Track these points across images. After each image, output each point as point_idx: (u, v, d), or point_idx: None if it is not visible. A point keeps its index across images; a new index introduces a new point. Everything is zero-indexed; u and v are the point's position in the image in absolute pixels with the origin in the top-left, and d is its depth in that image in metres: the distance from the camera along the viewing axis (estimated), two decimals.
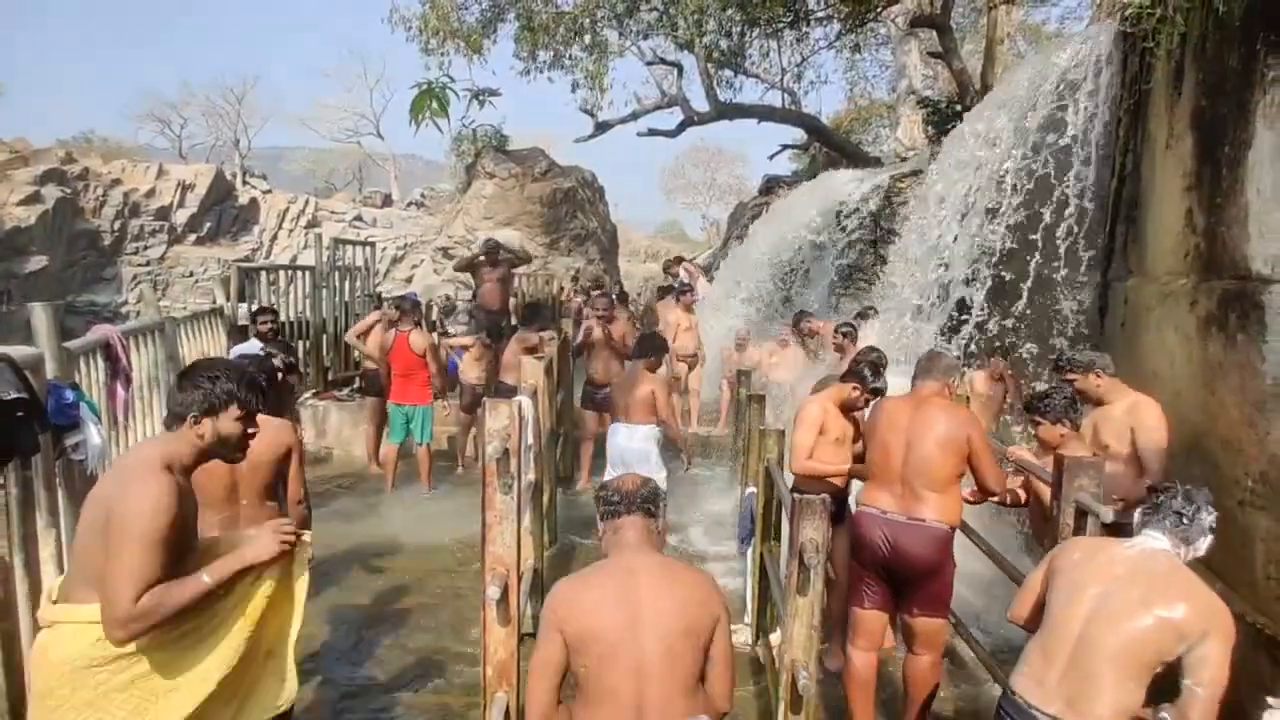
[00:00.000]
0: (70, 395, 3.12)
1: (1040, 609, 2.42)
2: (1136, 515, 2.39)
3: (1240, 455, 3.63)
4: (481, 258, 9.11)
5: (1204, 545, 2.30)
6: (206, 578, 1.97)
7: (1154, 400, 3.71)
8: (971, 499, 3.65)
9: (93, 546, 1.91)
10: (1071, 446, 3.53)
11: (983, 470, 3.36)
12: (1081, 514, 3.01)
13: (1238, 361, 3.76)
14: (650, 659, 1.98)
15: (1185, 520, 2.27)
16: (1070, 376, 3.77)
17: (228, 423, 2.09)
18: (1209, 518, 2.30)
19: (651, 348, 5.47)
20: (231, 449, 2.13)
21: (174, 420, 2.08)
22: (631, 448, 5.27)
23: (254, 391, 2.15)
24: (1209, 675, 2.09)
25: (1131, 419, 3.61)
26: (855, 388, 3.93)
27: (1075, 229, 5.47)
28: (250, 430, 2.15)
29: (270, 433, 3.07)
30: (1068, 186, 5.45)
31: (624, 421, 5.32)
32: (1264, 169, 3.68)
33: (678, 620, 2.01)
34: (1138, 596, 2.19)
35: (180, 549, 1.98)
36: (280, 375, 3.87)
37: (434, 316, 11.02)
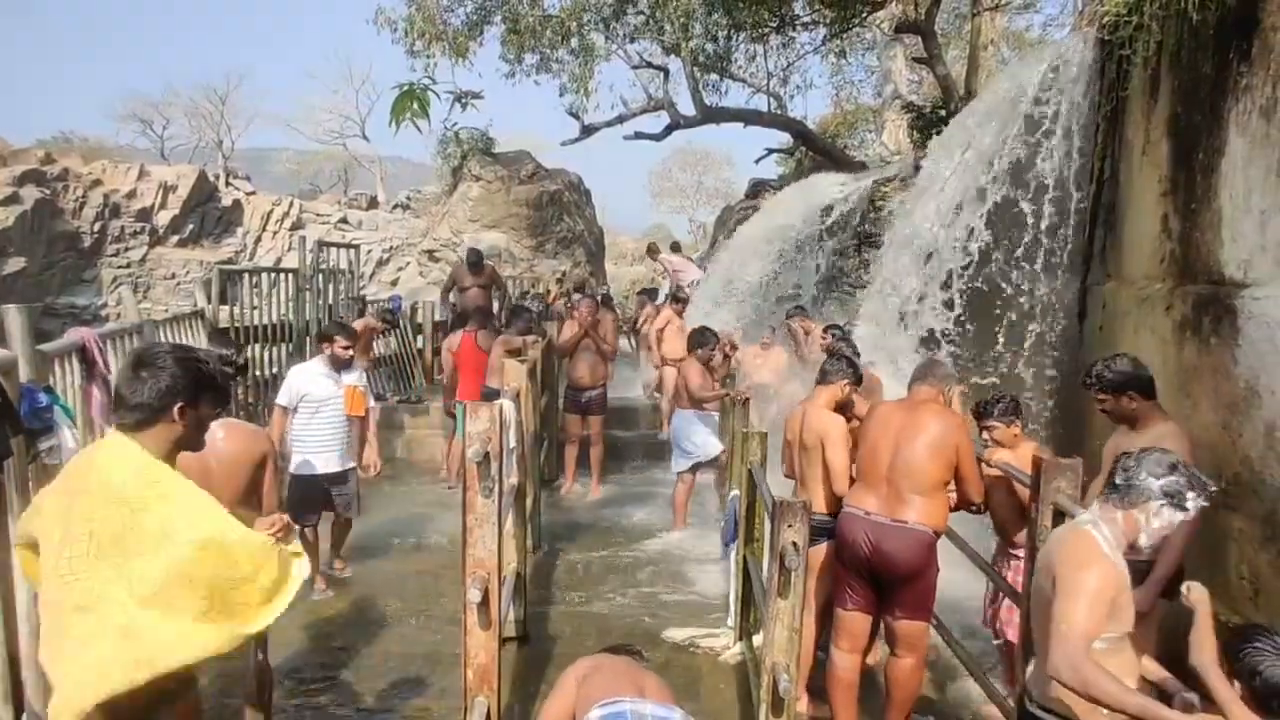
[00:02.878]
0: (44, 398, 3.08)
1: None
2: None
3: (1214, 457, 3.68)
4: (463, 268, 9.18)
5: (1153, 507, 2.10)
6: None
7: (1182, 433, 3.22)
8: (951, 505, 3.68)
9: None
10: (1024, 445, 3.59)
11: (966, 479, 3.37)
12: (1059, 515, 3.04)
13: (1211, 365, 3.82)
14: None
15: (1120, 484, 2.14)
16: (1100, 397, 3.27)
17: (207, 408, 1.96)
18: (1154, 480, 2.11)
19: (698, 343, 6.18)
20: (201, 436, 1.99)
21: (149, 416, 1.87)
22: (680, 428, 6.16)
23: (224, 373, 2.04)
24: (1055, 609, 2.04)
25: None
26: (848, 385, 3.88)
27: (1054, 234, 5.54)
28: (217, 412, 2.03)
29: (245, 439, 3.04)
30: (1046, 192, 5.51)
31: (678, 407, 6.28)
32: (1237, 175, 3.75)
33: None
34: (1038, 583, 2.30)
35: None
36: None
37: (419, 319, 10.98)
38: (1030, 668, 2.42)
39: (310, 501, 4.69)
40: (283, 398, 4.69)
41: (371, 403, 4.99)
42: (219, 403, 2.01)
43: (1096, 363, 3.37)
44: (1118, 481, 2.16)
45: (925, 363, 3.68)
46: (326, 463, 4.72)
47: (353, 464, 4.90)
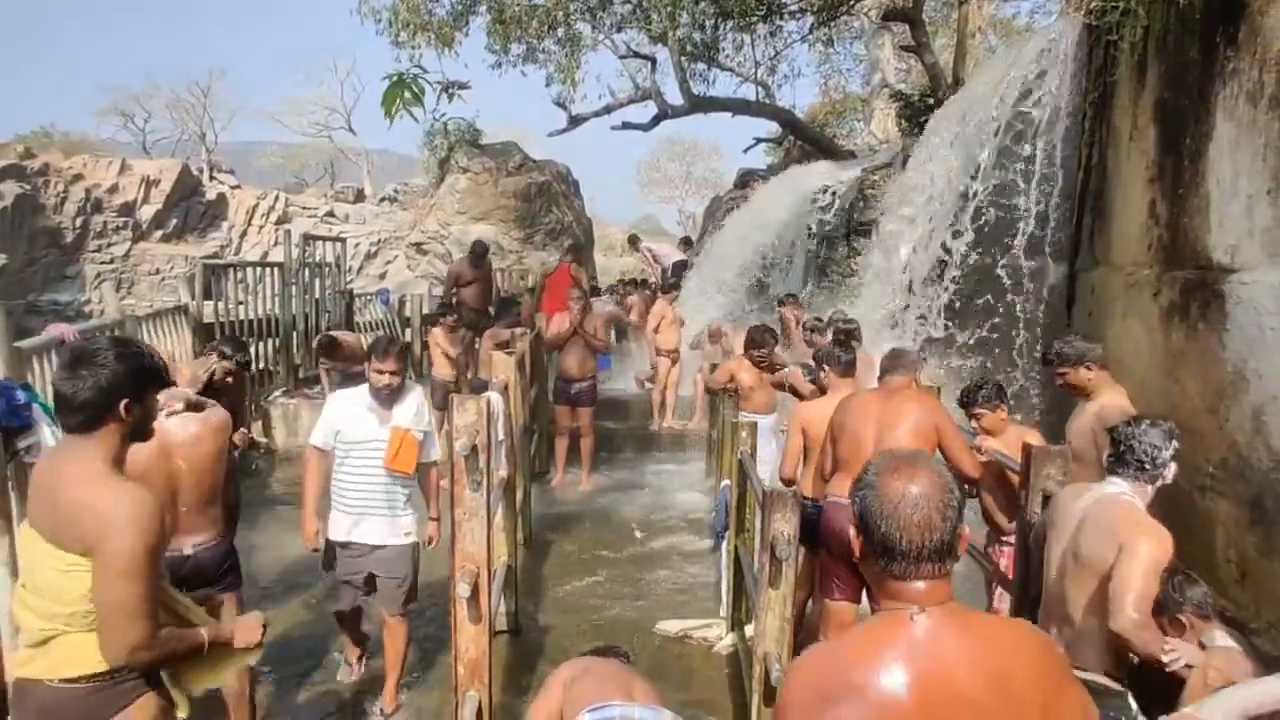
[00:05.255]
0: (22, 396, 3.03)
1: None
2: (1105, 460, 2.58)
3: (1201, 441, 3.69)
4: (465, 262, 9.21)
5: (1169, 473, 2.49)
6: (205, 635, 1.95)
7: (1124, 402, 3.42)
8: None
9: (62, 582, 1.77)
10: (1012, 430, 3.59)
11: (956, 455, 3.38)
12: (1049, 501, 3.05)
13: (1199, 350, 3.83)
14: None
15: (1145, 465, 2.44)
16: (1060, 370, 3.53)
17: (152, 399, 1.91)
18: (1167, 451, 2.45)
19: (755, 343, 5.43)
20: (149, 426, 1.93)
21: (96, 416, 1.79)
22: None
23: (162, 365, 1.99)
24: (1126, 580, 2.22)
25: (1096, 421, 3.39)
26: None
27: (1042, 221, 5.54)
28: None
29: (208, 434, 2.95)
30: (1033, 180, 5.51)
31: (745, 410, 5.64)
32: (1224, 160, 3.75)
33: None
34: (1085, 550, 2.39)
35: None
36: (233, 374, 3.78)
37: (407, 312, 10.92)
38: (1064, 634, 2.43)
39: (342, 580, 3.50)
40: (316, 434, 3.52)
41: (434, 454, 3.59)
42: (157, 394, 1.95)
43: (1049, 345, 3.74)
44: (1143, 462, 2.43)
45: (892, 353, 3.74)
46: (361, 529, 3.43)
47: (409, 536, 3.49)
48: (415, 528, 3.53)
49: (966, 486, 3.68)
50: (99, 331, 4.45)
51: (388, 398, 3.40)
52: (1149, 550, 2.25)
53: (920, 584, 1.24)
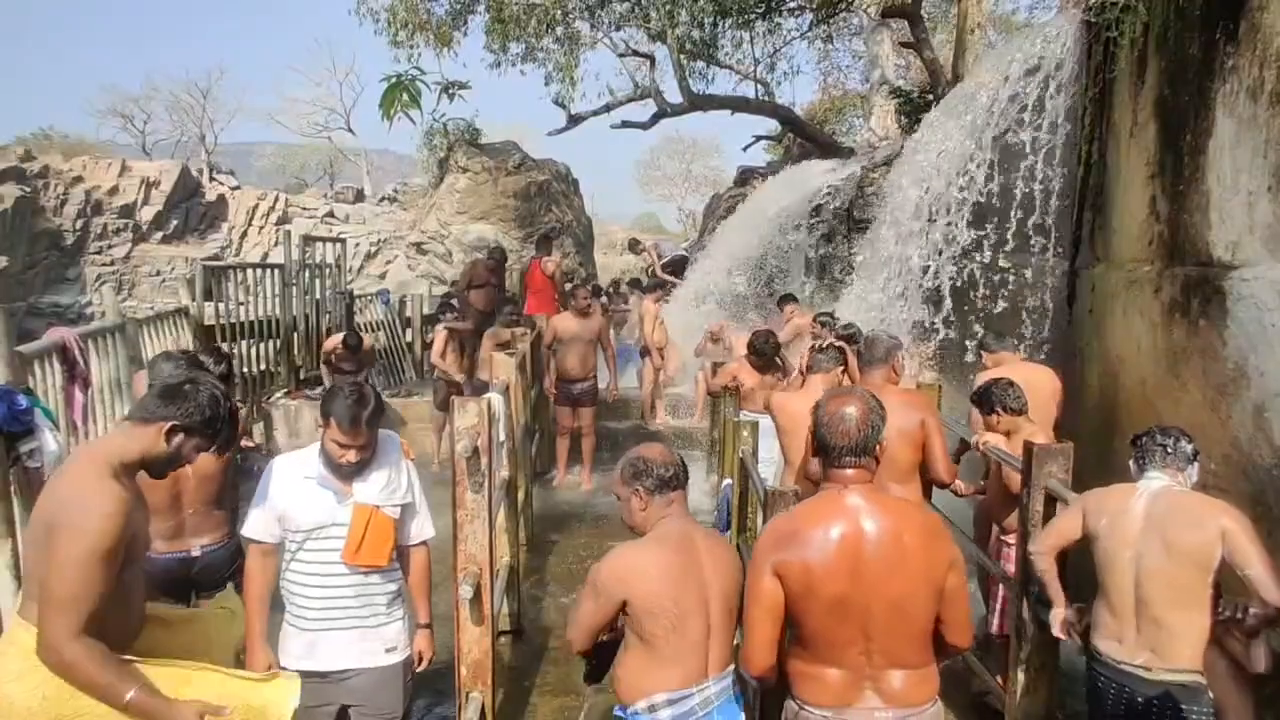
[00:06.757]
0: (24, 401, 3.03)
1: (1064, 546, 2.72)
2: (1132, 464, 2.66)
3: (1203, 438, 3.66)
4: (488, 262, 9.34)
5: (1194, 471, 2.58)
6: (130, 695, 1.77)
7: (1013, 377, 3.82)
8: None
9: (38, 560, 1.81)
10: (1026, 429, 3.56)
11: (934, 459, 3.28)
12: (1050, 500, 3.05)
13: (1200, 346, 3.82)
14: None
15: (1169, 451, 2.54)
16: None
17: (191, 448, 2.00)
18: (1188, 445, 2.57)
19: (756, 349, 5.33)
20: (169, 469, 2.03)
21: (150, 417, 1.94)
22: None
23: (229, 429, 2.10)
24: (1250, 556, 2.28)
25: None
26: (843, 373, 3.90)
27: (1042, 218, 5.54)
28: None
29: None
30: (1033, 176, 5.50)
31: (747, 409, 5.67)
32: (1224, 156, 3.74)
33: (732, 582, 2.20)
34: (1161, 544, 2.39)
35: (129, 558, 1.90)
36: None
37: (408, 313, 10.92)
38: (1145, 634, 2.41)
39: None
40: (251, 524, 2.46)
41: (421, 532, 2.59)
42: (204, 450, 2.07)
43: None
44: (1167, 451, 2.54)
45: (867, 342, 3.57)
46: (324, 650, 2.44)
47: (395, 652, 2.52)
48: (404, 637, 2.54)
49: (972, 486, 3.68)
50: (100, 335, 4.45)
51: (347, 471, 2.39)
52: (1239, 526, 2.31)
53: (849, 471, 1.93)
